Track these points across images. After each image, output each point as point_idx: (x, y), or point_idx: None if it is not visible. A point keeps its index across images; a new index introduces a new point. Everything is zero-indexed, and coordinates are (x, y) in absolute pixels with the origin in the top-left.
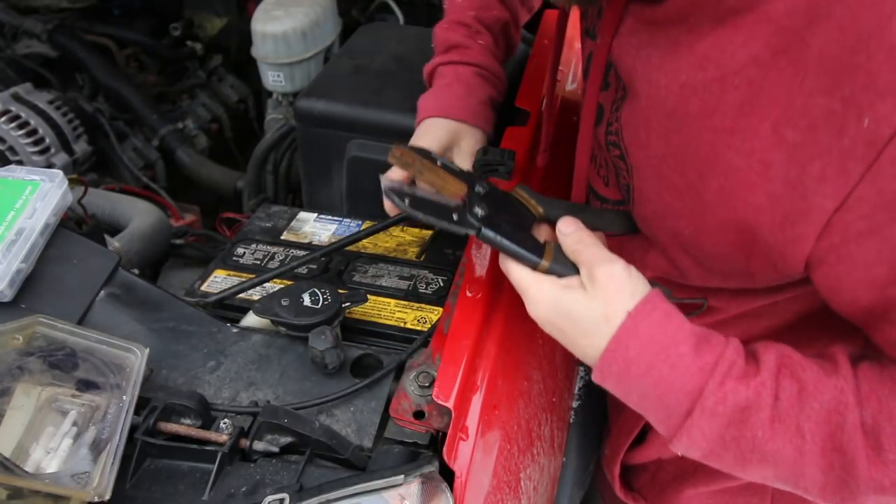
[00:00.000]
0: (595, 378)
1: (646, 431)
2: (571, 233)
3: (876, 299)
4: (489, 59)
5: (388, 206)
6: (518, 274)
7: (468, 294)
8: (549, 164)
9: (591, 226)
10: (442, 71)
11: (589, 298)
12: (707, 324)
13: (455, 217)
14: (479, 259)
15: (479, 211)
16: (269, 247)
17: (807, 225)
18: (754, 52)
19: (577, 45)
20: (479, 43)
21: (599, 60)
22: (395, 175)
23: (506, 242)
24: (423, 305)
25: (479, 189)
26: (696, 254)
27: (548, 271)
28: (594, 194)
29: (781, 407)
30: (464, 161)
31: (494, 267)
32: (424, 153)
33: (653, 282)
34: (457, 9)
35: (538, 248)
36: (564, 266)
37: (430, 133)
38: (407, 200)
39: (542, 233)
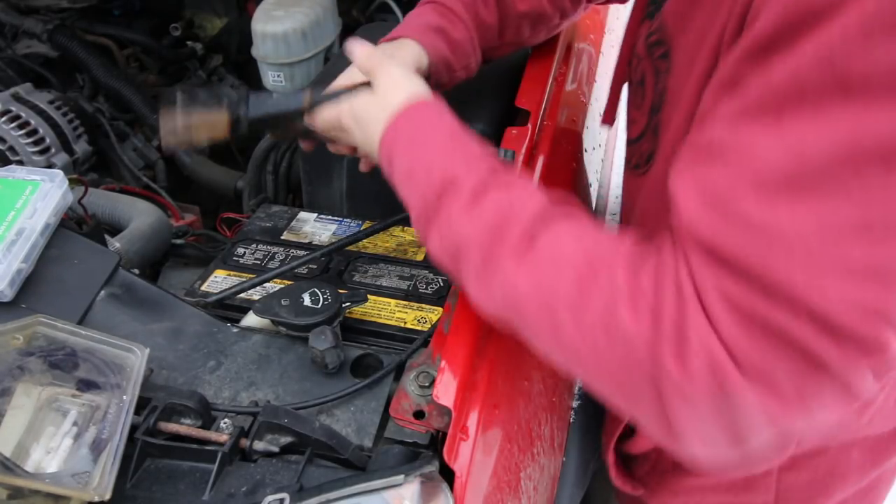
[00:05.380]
0: (380, 161)
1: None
2: (360, 51)
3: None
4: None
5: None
6: (323, 115)
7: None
8: (551, 161)
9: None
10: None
11: (373, 97)
12: None
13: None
14: None
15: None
16: (269, 247)
17: None
18: None
19: (578, 45)
20: None
21: None
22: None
23: (269, 102)
24: (423, 305)
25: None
26: None
27: (312, 102)
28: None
29: (482, 194)
30: None
31: None
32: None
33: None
34: None
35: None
36: (326, 91)
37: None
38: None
39: None
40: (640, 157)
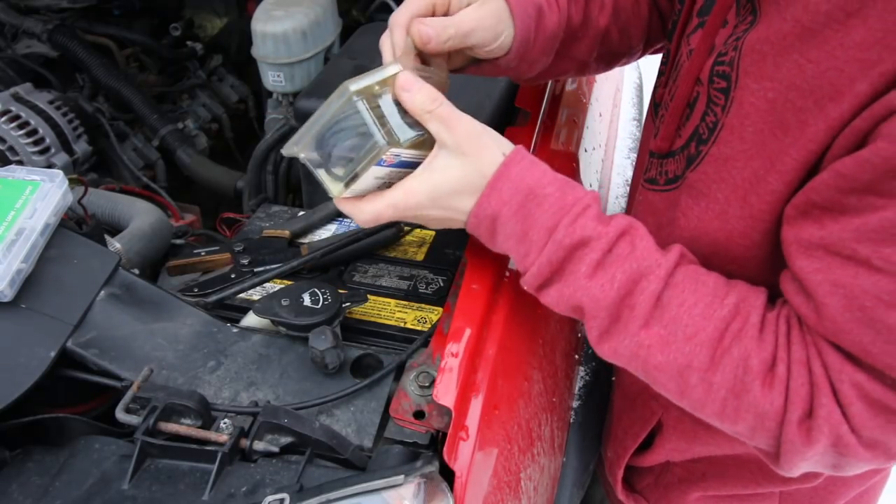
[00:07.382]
0: (469, 227)
1: (653, 435)
2: (420, 97)
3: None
4: None
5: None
6: (376, 205)
7: (474, 287)
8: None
9: None
10: None
11: (464, 168)
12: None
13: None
14: (480, 258)
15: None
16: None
17: None
18: None
19: None
20: None
21: None
22: None
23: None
24: (423, 305)
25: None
26: (755, 204)
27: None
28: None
29: (609, 258)
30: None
31: (496, 267)
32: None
33: None
34: None
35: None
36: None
37: None
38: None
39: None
40: (659, 174)
